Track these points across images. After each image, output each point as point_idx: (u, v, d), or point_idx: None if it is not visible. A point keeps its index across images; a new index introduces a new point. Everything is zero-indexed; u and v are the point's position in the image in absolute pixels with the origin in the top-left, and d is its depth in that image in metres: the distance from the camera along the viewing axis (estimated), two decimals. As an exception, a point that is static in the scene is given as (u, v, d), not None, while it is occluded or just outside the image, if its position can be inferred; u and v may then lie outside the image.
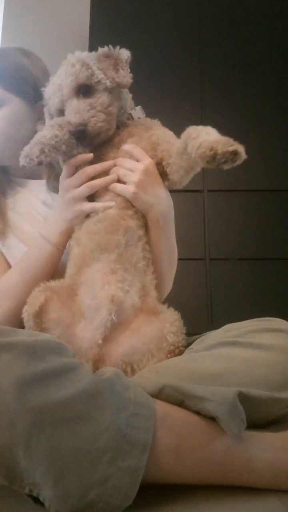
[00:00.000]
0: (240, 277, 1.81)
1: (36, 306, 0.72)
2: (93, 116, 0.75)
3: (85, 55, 0.79)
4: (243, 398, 0.56)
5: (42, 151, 0.72)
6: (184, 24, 2.01)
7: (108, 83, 0.76)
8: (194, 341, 0.77)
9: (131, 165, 0.77)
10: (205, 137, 0.66)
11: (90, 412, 0.50)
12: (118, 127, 0.82)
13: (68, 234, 0.82)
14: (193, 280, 1.79)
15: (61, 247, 0.82)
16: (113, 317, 0.70)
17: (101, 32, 1.94)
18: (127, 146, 0.79)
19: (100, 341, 0.70)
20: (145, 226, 0.80)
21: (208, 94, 1.94)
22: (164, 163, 0.79)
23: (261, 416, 0.61)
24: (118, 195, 0.78)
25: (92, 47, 2.03)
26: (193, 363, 0.64)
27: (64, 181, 0.81)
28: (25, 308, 0.74)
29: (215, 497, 0.56)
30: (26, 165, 0.72)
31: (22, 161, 0.72)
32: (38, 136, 0.74)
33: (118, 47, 0.80)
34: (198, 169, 0.76)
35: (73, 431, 0.49)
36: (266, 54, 1.98)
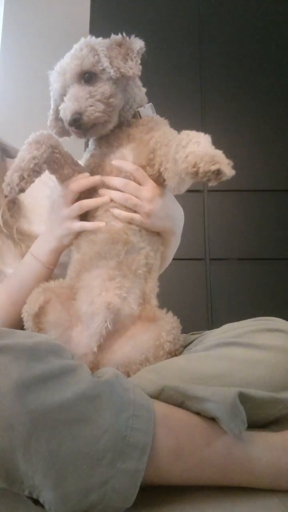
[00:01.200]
0: (240, 277, 1.81)
1: (35, 307, 0.72)
2: (91, 105, 0.71)
3: (96, 40, 0.76)
4: (244, 398, 0.56)
5: (21, 178, 0.68)
6: (184, 24, 2.00)
7: (112, 72, 0.72)
8: (193, 340, 0.77)
9: (137, 193, 0.75)
10: (193, 148, 0.62)
11: (90, 414, 0.50)
12: (120, 125, 0.79)
13: (58, 253, 0.80)
14: (193, 280, 1.79)
15: (51, 266, 0.80)
16: (109, 325, 0.69)
17: (101, 32, 1.93)
18: (129, 167, 0.76)
19: (95, 349, 0.70)
20: (150, 239, 0.77)
21: (208, 94, 1.94)
22: (162, 168, 0.75)
23: (261, 416, 0.61)
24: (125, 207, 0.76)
25: (92, 47, 2.04)
26: (193, 364, 0.64)
27: (57, 199, 0.79)
28: (25, 308, 0.74)
29: (215, 498, 0.56)
30: (8, 195, 0.69)
31: (5, 191, 0.69)
32: (17, 161, 0.70)
33: (133, 36, 0.77)
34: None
35: (73, 433, 0.49)
36: (267, 54, 1.98)
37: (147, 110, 0.81)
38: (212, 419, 0.58)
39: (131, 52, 0.75)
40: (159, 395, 0.60)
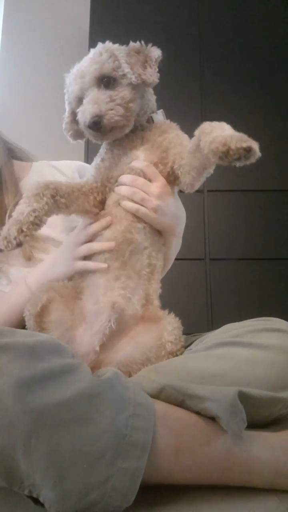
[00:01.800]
0: (240, 277, 1.81)
1: (37, 307, 0.73)
2: (111, 109, 0.72)
3: (115, 46, 0.77)
4: (243, 397, 0.56)
5: (20, 231, 0.65)
6: (184, 24, 2.01)
7: (133, 78, 0.73)
8: (194, 341, 0.77)
9: (145, 188, 0.76)
10: (219, 132, 0.63)
11: (90, 413, 0.50)
12: (134, 129, 0.80)
13: None
14: (193, 280, 1.79)
15: None
16: (112, 325, 0.70)
17: (101, 32, 1.94)
18: (139, 164, 0.77)
19: (97, 348, 0.70)
20: (152, 238, 0.78)
21: (208, 94, 1.94)
22: (175, 166, 0.76)
23: (261, 416, 0.61)
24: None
25: (92, 47, 2.04)
26: (193, 363, 0.64)
27: (72, 237, 0.81)
28: (27, 307, 0.74)
29: (215, 497, 0.56)
30: (4, 249, 0.66)
31: (0, 245, 0.66)
32: (15, 214, 0.68)
33: (150, 44, 0.78)
34: (211, 171, 0.72)
35: (73, 432, 0.49)
36: (267, 53, 1.98)
37: (159, 116, 0.83)
38: (212, 419, 0.58)
39: (149, 60, 0.76)
40: (159, 394, 0.60)
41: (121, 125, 0.74)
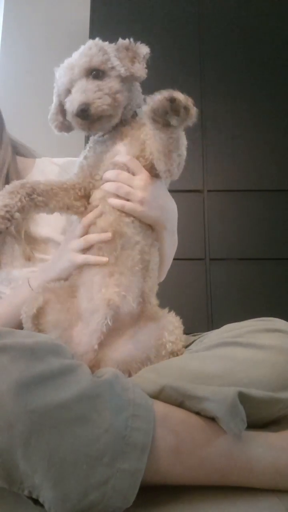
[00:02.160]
0: (240, 277, 1.81)
1: (33, 309, 0.73)
2: (99, 98, 0.72)
3: (104, 43, 0.79)
4: (243, 398, 0.56)
5: None
6: (184, 24, 2.00)
7: (122, 70, 0.75)
8: (194, 341, 0.77)
9: (130, 181, 0.76)
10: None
11: (89, 414, 0.50)
12: (116, 125, 0.80)
13: None
14: (193, 280, 1.79)
15: None
16: (109, 322, 0.69)
17: (101, 32, 1.94)
18: (122, 158, 0.77)
19: (96, 347, 0.69)
20: (144, 232, 0.78)
21: (208, 94, 1.94)
22: (151, 156, 0.76)
23: (261, 417, 0.61)
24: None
25: (92, 47, 2.04)
26: (193, 363, 0.64)
27: (69, 232, 0.82)
28: (24, 309, 0.74)
29: (215, 498, 0.55)
30: None
31: None
32: None
33: (138, 42, 0.79)
34: (182, 152, 0.72)
35: (72, 433, 0.49)
36: (268, 53, 1.98)
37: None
38: (212, 419, 0.58)
39: (138, 56, 0.77)
40: (159, 395, 0.60)
41: (108, 114, 0.75)
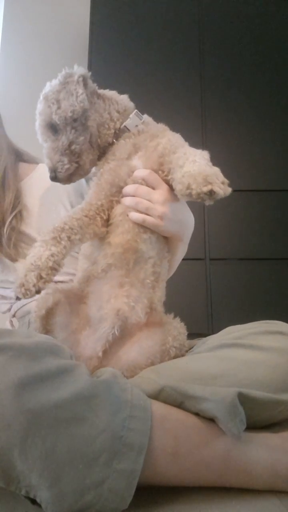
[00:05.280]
0: (240, 277, 1.80)
1: (43, 310, 0.73)
2: (58, 161, 0.75)
3: (51, 87, 0.77)
4: (243, 399, 0.56)
5: (39, 277, 0.62)
6: (184, 24, 2.00)
7: (56, 120, 0.74)
8: (195, 344, 0.77)
9: (149, 196, 0.74)
10: (189, 168, 0.62)
11: (86, 414, 0.50)
12: (117, 138, 0.79)
13: None
14: (193, 280, 1.79)
15: None
16: (116, 332, 0.69)
17: (101, 32, 1.94)
18: (141, 173, 0.75)
19: (100, 354, 0.69)
20: (158, 247, 0.77)
21: (208, 93, 1.94)
22: (169, 177, 0.74)
23: (261, 418, 0.61)
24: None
25: (92, 47, 2.04)
26: (194, 364, 0.64)
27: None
28: (34, 309, 0.74)
29: (214, 498, 0.55)
30: (22, 297, 0.61)
31: (17, 292, 0.61)
32: (31, 259, 0.64)
33: (75, 65, 0.77)
34: None
35: (69, 433, 0.48)
36: (267, 53, 1.98)
37: (134, 120, 0.81)
38: (211, 420, 0.58)
39: (71, 85, 0.74)
40: (159, 395, 0.60)
41: (74, 168, 0.77)
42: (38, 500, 0.49)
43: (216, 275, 1.79)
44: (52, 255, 0.64)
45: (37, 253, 0.64)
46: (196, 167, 0.62)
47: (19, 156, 1.05)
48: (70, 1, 2.37)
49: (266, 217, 1.85)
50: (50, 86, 0.77)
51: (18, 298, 0.64)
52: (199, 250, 1.81)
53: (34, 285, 0.61)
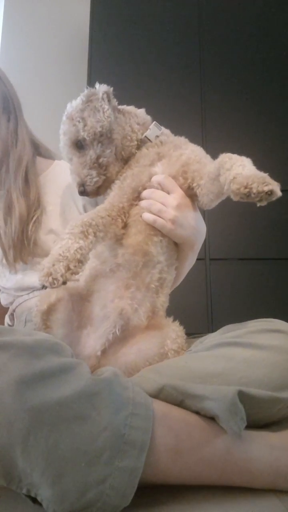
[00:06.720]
0: (240, 277, 1.80)
1: (45, 305, 0.73)
2: (86, 175, 0.77)
3: (73, 108, 0.79)
4: (243, 397, 0.56)
5: (67, 268, 0.62)
6: (184, 24, 2.00)
7: (85, 136, 0.77)
8: (193, 343, 0.77)
9: (163, 199, 0.76)
10: (239, 170, 0.63)
11: (88, 412, 0.50)
12: (138, 148, 0.82)
13: None
14: (193, 280, 1.79)
15: None
16: (117, 331, 0.70)
17: (101, 32, 1.94)
18: (157, 178, 0.78)
19: (99, 353, 0.70)
20: (168, 253, 0.78)
21: (209, 93, 1.94)
22: (194, 184, 0.77)
23: (261, 416, 0.61)
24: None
25: (92, 47, 2.04)
26: (193, 363, 0.64)
27: None
28: (36, 303, 0.75)
29: (215, 497, 0.55)
30: (49, 286, 0.61)
31: (43, 281, 0.61)
32: (59, 250, 0.64)
33: (97, 84, 0.79)
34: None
35: (71, 431, 0.49)
36: (267, 53, 1.98)
37: (154, 131, 0.84)
38: (212, 419, 0.58)
39: (96, 102, 0.77)
40: (159, 394, 0.60)
41: (103, 180, 0.79)
42: (39, 499, 0.49)
43: (216, 275, 1.79)
44: (80, 248, 0.65)
45: (65, 245, 0.64)
46: (247, 170, 0.64)
47: (37, 149, 1.05)
48: (70, 1, 2.37)
49: (266, 217, 1.85)
50: (72, 107, 0.79)
51: (44, 287, 0.65)
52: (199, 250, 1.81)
53: (62, 275, 0.61)
